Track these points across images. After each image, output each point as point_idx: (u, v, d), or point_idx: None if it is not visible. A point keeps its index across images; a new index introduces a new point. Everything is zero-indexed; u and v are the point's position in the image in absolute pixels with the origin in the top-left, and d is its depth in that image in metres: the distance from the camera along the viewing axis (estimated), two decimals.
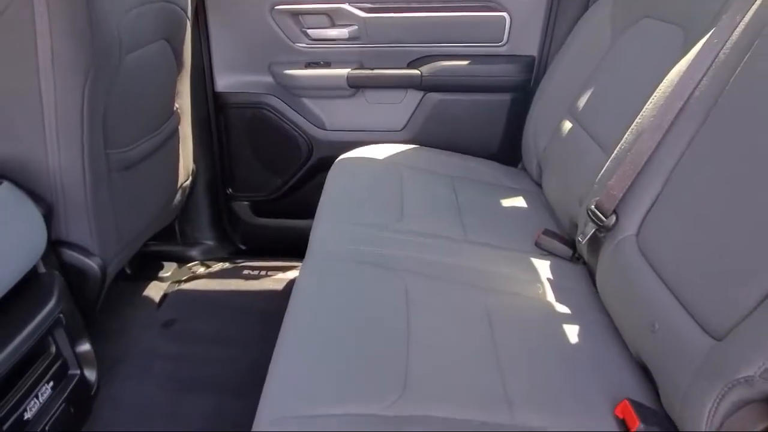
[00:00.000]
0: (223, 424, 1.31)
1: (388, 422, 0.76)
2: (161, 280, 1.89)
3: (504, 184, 1.68)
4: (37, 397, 1.03)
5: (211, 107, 1.87)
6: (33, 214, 1.08)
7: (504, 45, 1.79)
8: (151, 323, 1.66)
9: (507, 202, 1.56)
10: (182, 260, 2.00)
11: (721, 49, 0.95)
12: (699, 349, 0.76)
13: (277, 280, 1.88)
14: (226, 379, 1.45)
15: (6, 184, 1.05)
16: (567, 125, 1.51)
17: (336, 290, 1.03)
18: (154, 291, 1.83)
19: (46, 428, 1.03)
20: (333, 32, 1.78)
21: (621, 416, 0.81)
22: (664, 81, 1.08)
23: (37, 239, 1.09)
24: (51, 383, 1.07)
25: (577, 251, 1.27)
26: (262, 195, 2.00)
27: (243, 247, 2.10)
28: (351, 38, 1.78)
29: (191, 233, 2.03)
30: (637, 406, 0.81)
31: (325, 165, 1.72)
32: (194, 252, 2.04)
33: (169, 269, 1.94)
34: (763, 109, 0.81)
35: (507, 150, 1.86)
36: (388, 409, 0.78)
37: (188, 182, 1.80)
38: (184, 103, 1.68)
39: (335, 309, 0.97)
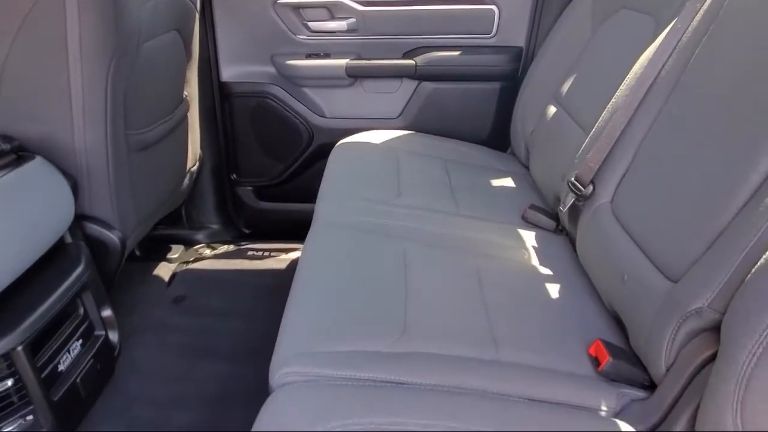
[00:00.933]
0: (234, 387, 1.42)
1: (389, 357, 0.87)
2: (170, 261, 1.99)
3: (494, 166, 1.79)
4: (68, 352, 1.13)
5: (217, 96, 1.97)
6: (63, 188, 1.18)
7: (493, 36, 1.90)
8: (162, 299, 1.76)
9: (496, 182, 1.67)
10: (189, 243, 2.10)
11: (684, 34, 1.07)
12: (660, 292, 0.87)
13: (280, 260, 1.98)
14: (235, 348, 1.55)
15: (39, 158, 1.15)
16: (552, 110, 1.62)
17: (341, 252, 1.14)
18: (164, 271, 1.93)
19: (77, 380, 1.14)
20: (332, 24, 1.89)
21: (594, 354, 0.93)
22: (635, 64, 1.20)
23: (66, 210, 1.19)
24: (80, 341, 1.18)
25: (560, 223, 1.39)
26: (265, 180, 2.11)
27: (247, 231, 2.20)
28: (349, 30, 1.89)
29: (197, 217, 2.13)
30: (608, 344, 0.92)
31: (325, 151, 1.82)
32: (200, 235, 2.14)
33: (176, 251, 2.04)
34: (714, 86, 0.93)
35: (497, 135, 1.97)
36: (390, 347, 0.89)
37: (196, 167, 1.90)
38: (192, 91, 1.78)
39: (341, 267, 1.08)
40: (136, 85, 1.34)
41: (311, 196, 1.54)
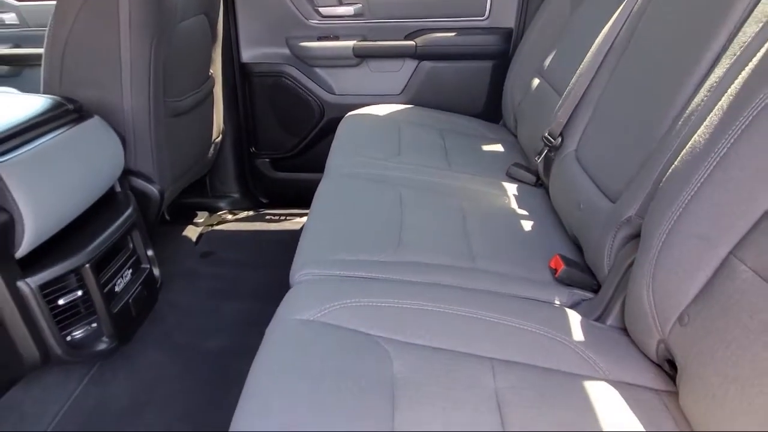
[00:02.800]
0: (256, 320, 1.63)
1: (386, 264, 1.08)
2: (196, 224, 2.22)
3: (486, 135, 1.99)
4: (122, 277, 1.36)
5: (238, 76, 2.19)
6: (115, 143, 1.41)
7: (486, 18, 2.11)
8: (191, 254, 2.00)
9: (487, 148, 1.88)
10: (212, 210, 2.34)
11: (635, 5, 1.27)
12: (604, 212, 1.08)
13: (294, 222, 2.21)
14: (255, 291, 1.78)
15: (96, 117, 1.38)
16: (536, 82, 1.82)
17: (348, 192, 1.35)
18: (191, 232, 2.16)
19: (129, 301, 1.36)
20: (341, 10, 2.10)
21: (553, 266, 1.13)
22: (599, 35, 1.40)
23: (118, 162, 1.42)
24: (130, 270, 1.40)
25: (540, 178, 1.59)
26: (280, 152, 2.33)
27: (264, 201, 2.42)
28: (356, 15, 2.11)
29: (220, 187, 2.36)
30: (564, 257, 1.13)
31: (334, 126, 2.03)
32: (222, 203, 2.37)
33: (202, 216, 2.27)
34: (652, 45, 1.13)
35: (489, 109, 2.18)
36: (386, 257, 1.10)
37: (219, 139, 2.13)
38: (217, 69, 2.01)
39: (348, 202, 1.30)
40: (172, 59, 1.57)
41: (322, 166, 1.71)
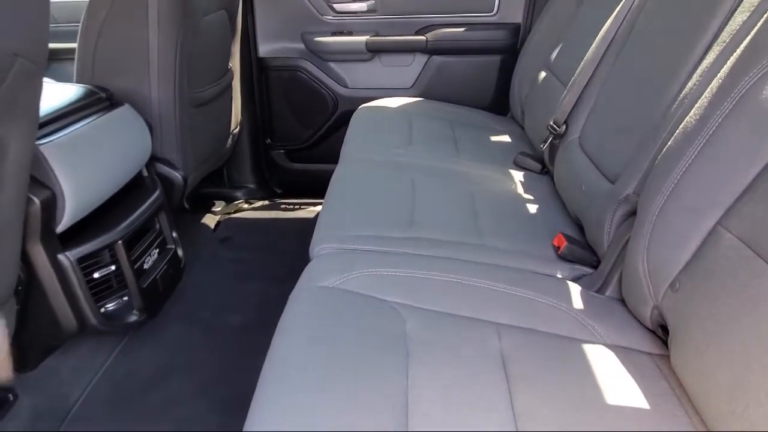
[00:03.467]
0: (273, 297, 1.71)
1: (400, 239, 1.16)
2: (214, 213, 2.31)
3: (494, 127, 2.06)
4: (150, 255, 1.45)
5: (255, 70, 2.28)
6: (143, 130, 1.49)
7: (495, 14, 2.18)
8: (210, 239, 2.09)
9: (494, 138, 1.95)
10: (229, 200, 2.43)
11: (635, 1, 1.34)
12: (604, 192, 1.15)
13: (308, 211, 2.29)
14: (272, 273, 1.86)
15: (126, 105, 1.46)
16: (542, 75, 1.89)
17: (362, 177, 1.43)
18: (210, 220, 2.25)
19: (157, 278, 1.45)
20: (354, 6, 2.18)
21: (556, 244, 1.20)
22: (602, 28, 1.47)
23: (146, 147, 1.50)
24: (157, 250, 1.49)
25: (546, 166, 1.66)
26: (295, 144, 2.41)
27: (279, 191, 2.51)
28: (369, 11, 2.19)
29: (237, 177, 2.45)
30: (567, 236, 1.20)
31: (347, 118, 2.11)
32: (239, 193, 2.46)
33: (219, 205, 2.36)
34: (651, 36, 1.20)
35: (498, 102, 2.25)
36: (400, 233, 1.18)
37: (237, 130, 2.21)
38: (235, 63, 2.09)
39: (362, 186, 1.38)
40: (195, 53, 1.66)
41: (335, 157, 1.77)
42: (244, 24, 2.17)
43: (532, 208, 1.41)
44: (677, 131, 0.94)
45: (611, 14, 1.49)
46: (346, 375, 0.79)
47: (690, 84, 0.99)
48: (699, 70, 0.98)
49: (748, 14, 0.91)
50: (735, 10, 0.96)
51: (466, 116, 2.11)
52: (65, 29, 2.05)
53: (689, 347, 0.82)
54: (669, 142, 0.96)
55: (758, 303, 0.71)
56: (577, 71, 1.50)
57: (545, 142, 1.53)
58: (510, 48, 2.20)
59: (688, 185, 0.89)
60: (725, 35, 0.95)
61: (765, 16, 0.86)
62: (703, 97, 0.91)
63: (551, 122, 1.50)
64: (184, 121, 1.64)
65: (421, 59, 2.25)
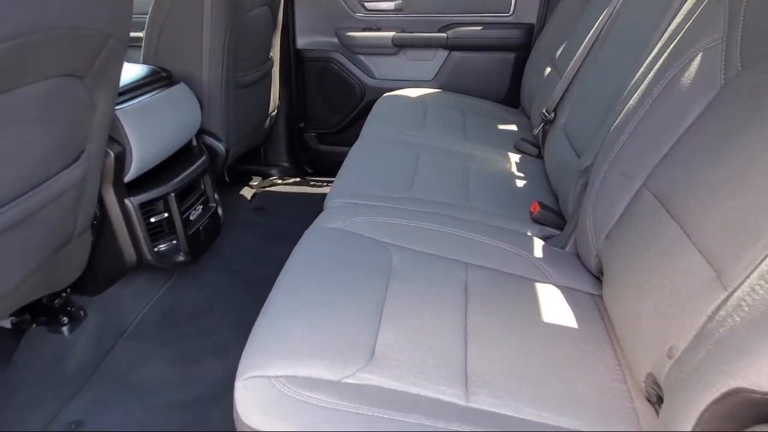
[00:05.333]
0: None
1: (399, 199, 1.39)
2: (251, 186, 2.60)
3: (503, 117, 2.27)
4: (195, 210, 1.73)
5: (293, 60, 2.55)
6: (195, 105, 1.78)
7: (511, 15, 2.39)
8: (247, 207, 2.37)
9: (502, 127, 2.16)
10: (265, 176, 2.71)
11: (618, 2, 1.54)
12: (576, 169, 1.35)
13: None
14: (298, 236, 2.09)
15: (182, 84, 1.75)
16: (548, 70, 2.09)
17: (374, 151, 1.68)
18: (247, 192, 2.54)
19: (200, 228, 1.73)
20: (383, 5, 2.43)
21: (532, 210, 1.42)
22: (594, 25, 1.67)
23: (196, 120, 1.79)
24: (201, 206, 1.77)
25: (541, 152, 1.86)
26: (326, 128, 2.68)
27: (309, 170, 2.78)
28: (396, 9, 2.43)
29: (272, 156, 2.73)
30: (542, 203, 1.41)
31: (373, 106, 2.36)
32: (274, 170, 2.74)
33: (256, 180, 2.65)
34: (624, 30, 1.40)
35: (510, 95, 2.45)
36: (400, 194, 1.42)
37: (274, 113, 2.49)
38: (275, 53, 2.37)
39: (373, 158, 1.63)
40: (241, 42, 1.93)
41: None
42: (285, 19, 2.45)
43: (520, 183, 1.62)
44: (623, 112, 1.15)
45: (600, 15, 1.69)
46: (337, 287, 1.03)
47: (638, 73, 1.19)
48: (647, 62, 1.18)
49: (682, 17, 1.11)
50: (681, 6, 1.16)
51: (478, 107, 2.33)
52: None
53: (614, 282, 1.04)
54: (616, 121, 1.16)
55: (658, 244, 0.92)
56: (569, 66, 1.71)
57: (536, 127, 1.74)
58: (524, 46, 2.40)
59: (624, 155, 1.10)
60: (670, 30, 1.15)
61: (692, 19, 1.06)
62: (644, 82, 1.12)
63: (544, 110, 1.71)
64: (229, 100, 1.92)
65: (442, 54, 2.47)
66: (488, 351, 0.92)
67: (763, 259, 0.66)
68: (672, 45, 1.08)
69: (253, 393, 0.80)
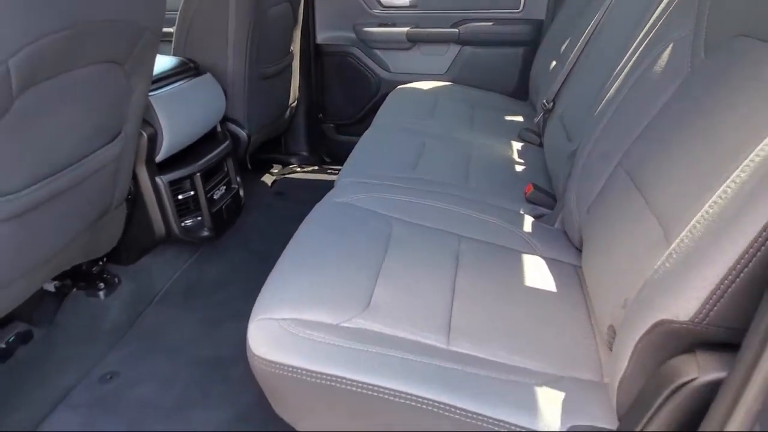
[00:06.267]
0: None
1: (403, 179, 1.52)
2: (271, 173, 2.75)
3: (511, 109, 2.38)
4: (218, 190, 1.89)
5: (312, 54, 2.69)
6: (220, 93, 1.93)
7: (520, 11, 2.49)
8: (267, 192, 2.52)
9: (508, 118, 2.27)
10: (285, 164, 2.86)
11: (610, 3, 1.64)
12: (567, 153, 1.46)
13: None
14: None
15: (208, 74, 1.91)
16: (553, 64, 2.19)
17: (383, 137, 1.81)
18: (268, 178, 2.69)
19: (223, 207, 1.89)
20: (398, 1, 2.56)
21: (526, 191, 1.53)
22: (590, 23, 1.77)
23: (221, 108, 1.94)
24: (224, 187, 1.93)
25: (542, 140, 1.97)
26: (343, 119, 2.82)
27: (327, 159, 2.92)
28: (411, 6, 2.55)
29: (292, 145, 2.88)
30: (536, 185, 1.52)
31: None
32: (293, 159, 2.88)
33: (276, 168, 2.80)
34: (610, 32, 1.50)
35: (519, 89, 2.55)
36: (404, 175, 1.54)
37: (294, 104, 2.64)
38: (296, 47, 2.51)
39: (381, 143, 1.76)
40: (263, 36, 2.08)
41: None
42: (305, 15, 2.59)
43: (519, 168, 1.73)
44: (604, 99, 1.26)
45: (598, 10, 1.79)
46: (340, 250, 1.16)
47: (620, 64, 1.29)
48: (628, 54, 1.28)
49: (658, 13, 1.21)
50: (656, 9, 1.26)
51: (487, 99, 2.43)
52: None
53: (589, 251, 1.14)
54: (599, 108, 1.27)
55: (625, 214, 1.03)
56: (569, 60, 1.81)
57: (537, 116, 1.85)
58: (532, 41, 2.49)
59: (604, 137, 1.21)
60: (648, 26, 1.25)
61: (665, 15, 1.16)
62: (623, 73, 1.22)
63: (544, 101, 1.81)
64: (251, 90, 2.07)
65: (454, 49, 2.59)
66: (472, 308, 1.04)
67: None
68: (648, 38, 1.18)
69: (262, 332, 0.94)
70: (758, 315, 0.57)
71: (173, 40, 1.96)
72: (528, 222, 1.39)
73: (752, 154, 0.69)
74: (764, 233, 0.60)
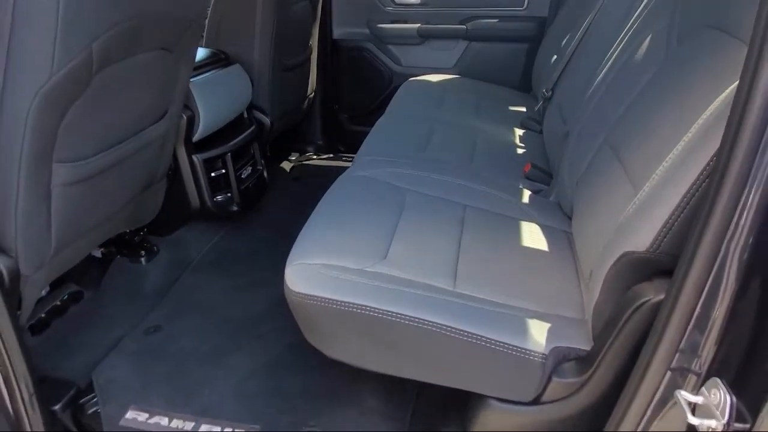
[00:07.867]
0: None
1: (415, 158, 1.69)
2: (290, 160, 2.93)
3: (514, 100, 2.54)
4: (246, 169, 2.07)
5: (329, 48, 2.87)
6: (247, 82, 2.12)
7: (525, 9, 2.65)
8: (286, 177, 2.71)
9: (512, 108, 2.43)
10: (302, 152, 3.04)
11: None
12: (562, 134, 1.63)
13: None
14: None
15: (237, 65, 2.09)
16: (554, 58, 2.35)
17: (395, 124, 1.99)
18: (286, 165, 2.87)
19: (250, 185, 2.07)
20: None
21: (525, 170, 1.70)
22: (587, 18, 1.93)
23: (248, 96, 2.13)
24: (251, 168, 2.11)
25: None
26: (357, 110, 2.99)
27: (342, 148, 3.10)
28: (422, 4, 2.73)
29: (309, 135, 3.05)
30: (534, 164, 1.69)
31: None
32: (310, 148, 3.06)
33: (294, 155, 2.98)
34: (602, 23, 1.67)
35: (523, 82, 2.72)
36: (414, 154, 1.72)
37: (312, 95, 2.82)
38: (314, 42, 2.70)
39: (393, 128, 1.93)
40: (286, 31, 2.26)
41: None
42: (323, 12, 2.77)
43: (520, 151, 1.90)
44: (594, 85, 1.42)
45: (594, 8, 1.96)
46: (360, 212, 1.34)
47: (608, 54, 1.46)
48: (614, 45, 1.45)
49: (641, 7, 1.38)
50: (641, 4, 1.43)
51: (492, 91, 2.60)
52: None
53: (578, 216, 1.31)
54: (589, 92, 1.44)
55: (607, 181, 1.19)
56: (567, 52, 1.98)
57: (539, 105, 2.02)
58: (536, 37, 2.66)
59: (594, 116, 1.37)
60: (631, 21, 1.42)
61: (647, 9, 1.33)
62: (610, 61, 1.39)
63: (544, 90, 1.98)
64: (275, 80, 2.25)
65: (462, 44, 2.76)
66: (475, 259, 1.21)
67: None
68: (632, 30, 1.35)
69: (297, 274, 1.12)
70: (688, 242, 0.74)
71: (205, 33, 2.15)
72: (526, 195, 1.56)
73: (699, 119, 0.86)
74: (701, 175, 0.77)
